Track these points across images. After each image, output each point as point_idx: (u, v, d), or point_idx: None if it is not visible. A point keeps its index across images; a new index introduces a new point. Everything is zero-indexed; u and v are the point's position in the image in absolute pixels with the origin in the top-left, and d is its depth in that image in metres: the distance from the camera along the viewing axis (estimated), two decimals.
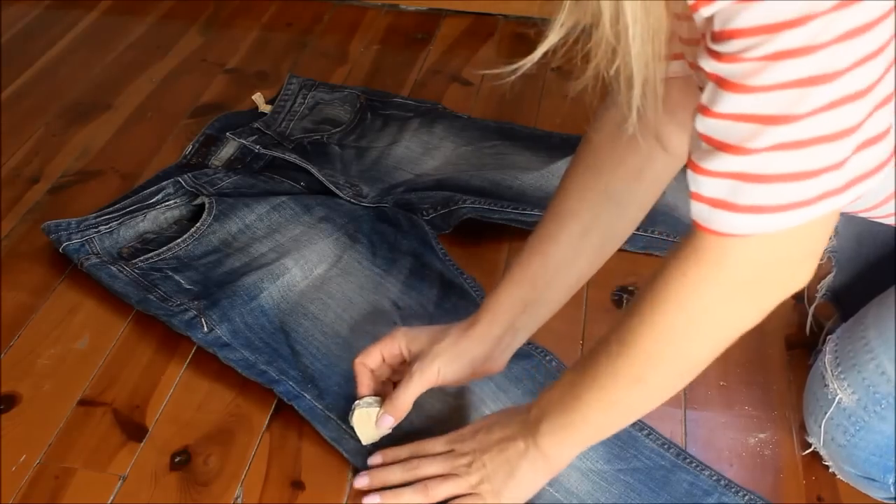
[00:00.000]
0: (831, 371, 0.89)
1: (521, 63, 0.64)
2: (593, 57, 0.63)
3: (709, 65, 0.59)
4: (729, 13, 0.56)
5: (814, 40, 0.55)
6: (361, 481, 0.88)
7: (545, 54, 0.64)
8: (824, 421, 0.89)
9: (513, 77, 0.64)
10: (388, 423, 0.89)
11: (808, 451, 0.93)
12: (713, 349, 0.72)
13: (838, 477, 0.92)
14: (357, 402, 0.91)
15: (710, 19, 0.58)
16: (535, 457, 0.81)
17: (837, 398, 0.88)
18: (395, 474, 0.88)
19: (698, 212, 0.64)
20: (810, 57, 0.55)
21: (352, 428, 0.92)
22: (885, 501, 0.90)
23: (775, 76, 0.56)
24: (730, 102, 0.59)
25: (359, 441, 0.92)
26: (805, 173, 0.59)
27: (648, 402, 0.78)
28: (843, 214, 1.01)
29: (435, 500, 0.84)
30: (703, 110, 0.61)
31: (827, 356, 0.90)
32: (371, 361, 0.91)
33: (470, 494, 0.83)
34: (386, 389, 0.93)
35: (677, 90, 0.72)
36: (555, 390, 0.81)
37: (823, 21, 0.54)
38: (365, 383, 0.91)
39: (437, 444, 0.88)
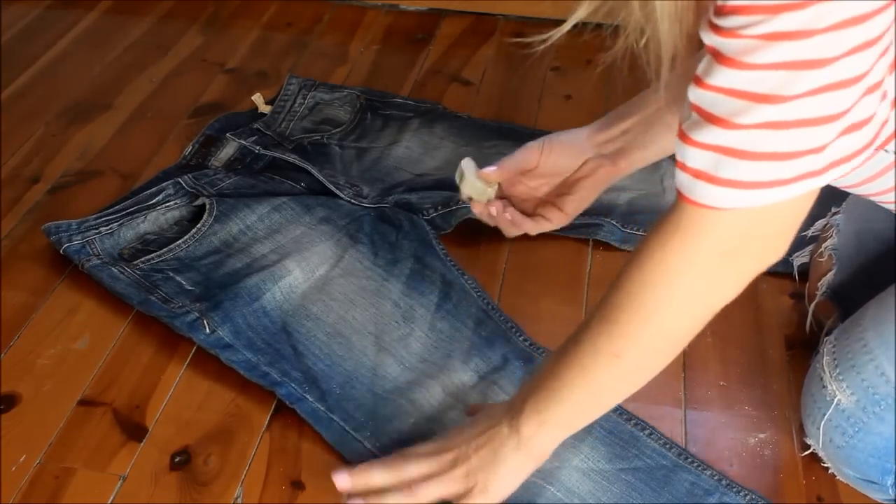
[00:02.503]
0: (829, 372, 0.89)
1: (550, 34, 0.64)
2: (622, 32, 0.64)
3: (708, 37, 0.60)
4: None
5: (811, 25, 0.56)
6: (342, 480, 0.85)
7: (575, 26, 0.64)
8: (823, 423, 0.89)
9: (542, 45, 0.65)
10: (491, 169, 0.98)
11: (807, 452, 0.93)
12: (691, 324, 0.73)
13: (838, 478, 0.92)
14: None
15: None
16: (517, 443, 0.80)
17: (836, 400, 0.88)
18: (378, 475, 0.85)
19: (681, 182, 0.65)
20: (806, 41, 0.56)
21: (358, 413, 0.93)
22: (885, 503, 0.90)
23: (769, 56, 0.57)
24: (723, 76, 0.60)
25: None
26: (787, 154, 0.61)
27: (627, 383, 0.78)
28: (845, 204, 1.02)
29: (421, 502, 0.82)
30: (698, 81, 0.62)
31: (825, 357, 0.90)
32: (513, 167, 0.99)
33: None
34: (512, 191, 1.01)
35: None
36: (537, 373, 0.81)
37: (823, 7, 0.55)
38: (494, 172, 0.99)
39: (421, 450, 0.86)
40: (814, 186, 0.63)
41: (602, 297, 0.74)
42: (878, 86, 0.61)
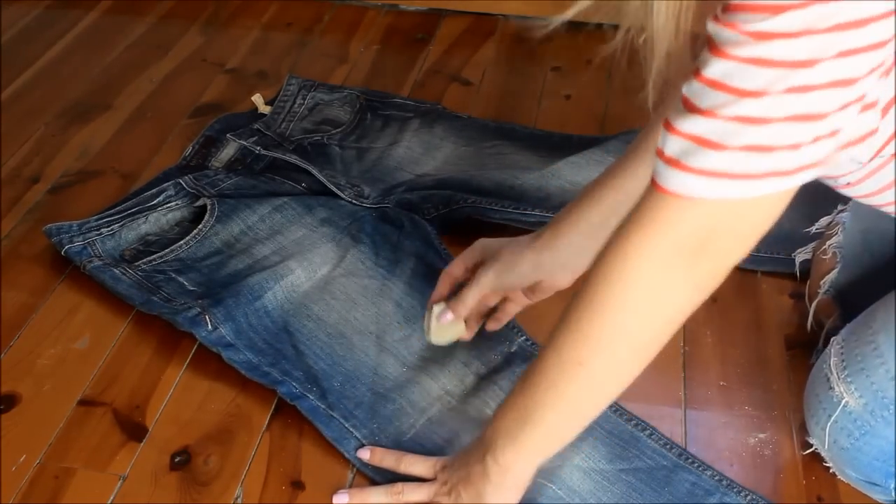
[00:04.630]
0: (837, 374, 0.88)
1: (553, 18, 0.65)
2: (622, 25, 0.64)
3: (710, 26, 0.60)
4: None
5: (811, 26, 0.56)
6: (341, 499, 0.88)
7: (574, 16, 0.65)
8: (828, 424, 0.88)
9: (545, 29, 0.67)
10: (447, 318, 0.96)
11: (808, 452, 0.93)
12: (652, 330, 0.71)
13: (839, 478, 0.91)
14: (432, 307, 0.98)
15: None
16: (497, 475, 0.80)
17: (843, 402, 0.87)
18: (377, 497, 0.87)
19: (656, 168, 0.65)
20: (800, 40, 0.57)
21: (358, 410, 0.94)
22: None
23: (764, 52, 0.58)
24: (713, 67, 0.60)
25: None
26: (760, 147, 0.61)
27: (595, 396, 0.76)
28: (852, 203, 1.02)
29: None
30: (696, 72, 0.62)
31: (832, 358, 0.89)
32: (455, 271, 0.98)
33: None
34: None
35: None
36: (508, 399, 0.80)
37: (824, 8, 0.55)
38: (440, 290, 0.98)
39: (423, 467, 0.88)
40: (782, 187, 0.62)
41: (567, 305, 0.74)
42: (864, 96, 0.61)
